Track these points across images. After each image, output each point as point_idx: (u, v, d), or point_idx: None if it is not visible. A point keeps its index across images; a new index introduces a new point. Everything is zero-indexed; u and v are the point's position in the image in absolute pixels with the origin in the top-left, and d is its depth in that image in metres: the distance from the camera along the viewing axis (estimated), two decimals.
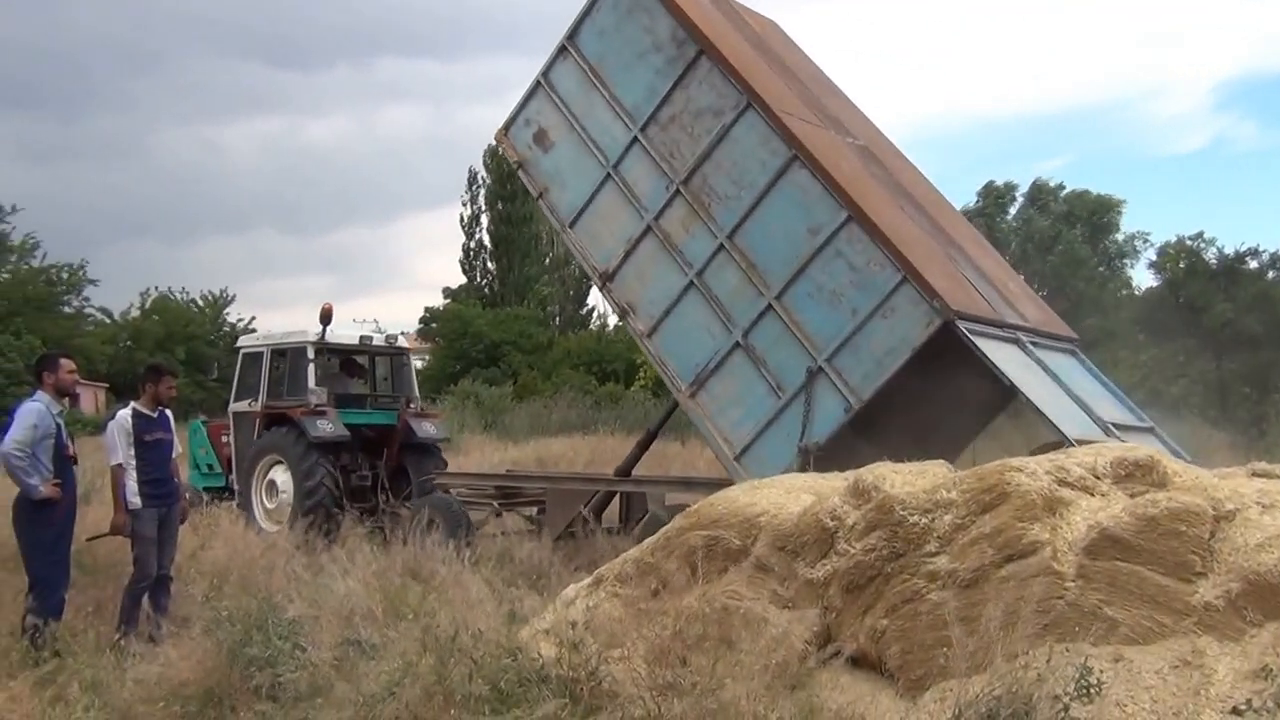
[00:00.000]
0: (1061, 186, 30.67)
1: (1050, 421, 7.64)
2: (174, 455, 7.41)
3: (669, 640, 4.63)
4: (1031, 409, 7.84)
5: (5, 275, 33.80)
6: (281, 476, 11.46)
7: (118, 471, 7.01)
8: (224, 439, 12.64)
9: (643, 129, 9.35)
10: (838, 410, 8.23)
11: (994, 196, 30.21)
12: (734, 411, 8.79)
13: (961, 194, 47.22)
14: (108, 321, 40.35)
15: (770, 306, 8.62)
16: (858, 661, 4.65)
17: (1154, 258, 27.20)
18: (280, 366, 12.09)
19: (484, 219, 46.47)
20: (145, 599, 6.86)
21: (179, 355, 35.57)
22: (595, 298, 45.22)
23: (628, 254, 9.43)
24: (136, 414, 7.11)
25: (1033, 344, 8.69)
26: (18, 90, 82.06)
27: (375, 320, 14.79)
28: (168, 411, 7.37)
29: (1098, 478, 4.74)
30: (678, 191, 9.14)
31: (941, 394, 8.69)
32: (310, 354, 11.78)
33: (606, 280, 9.61)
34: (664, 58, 9.30)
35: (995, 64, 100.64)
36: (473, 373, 33.92)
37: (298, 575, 6.90)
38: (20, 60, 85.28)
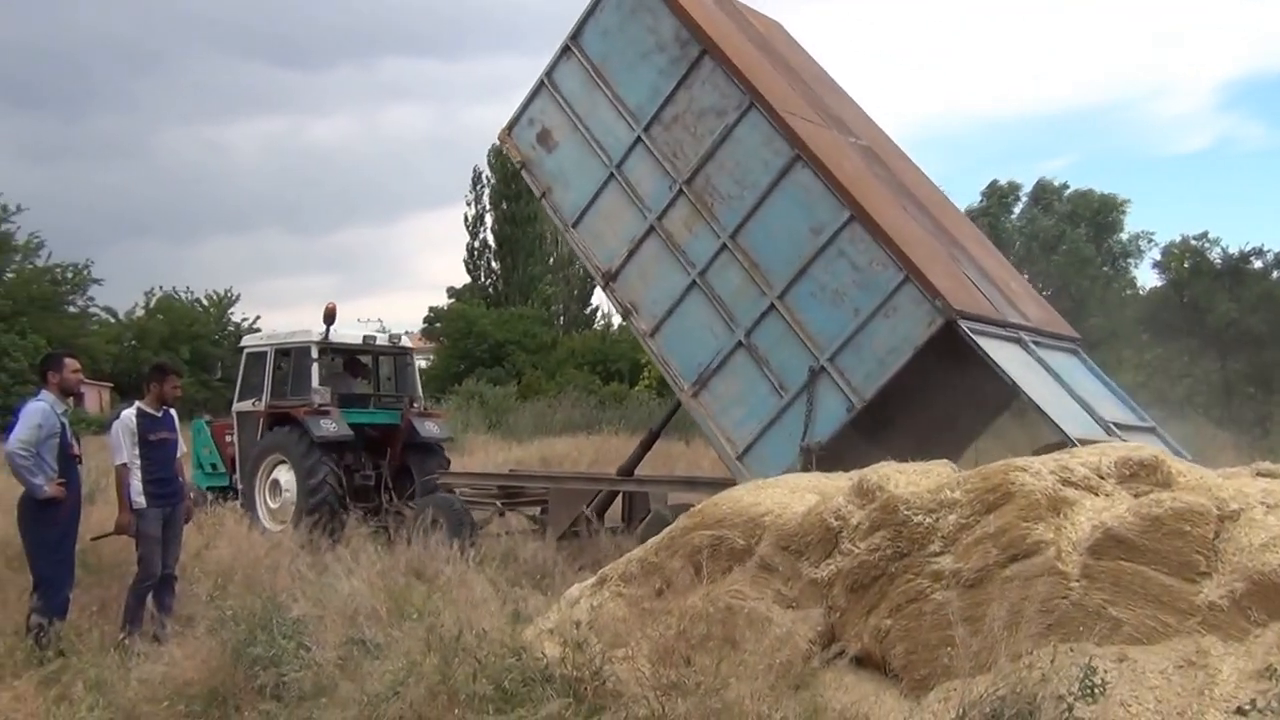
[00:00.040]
0: (1066, 186, 30.72)
1: (1052, 421, 7.64)
2: (179, 455, 7.43)
3: (673, 640, 4.63)
4: (1033, 408, 7.84)
5: (10, 275, 33.79)
6: (285, 476, 11.48)
7: (122, 471, 7.01)
8: (227, 438, 12.66)
9: (646, 129, 9.35)
10: (840, 410, 8.22)
11: (998, 196, 30.20)
12: (736, 411, 8.79)
13: (965, 194, 47.23)
14: (112, 321, 40.37)
15: (773, 306, 8.62)
16: (862, 661, 4.65)
17: (1158, 257, 27.28)
18: (284, 366, 12.12)
19: (488, 218, 46.50)
20: (150, 598, 6.86)
21: (183, 355, 35.56)
22: (599, 297, 45.35)
23: (631, 254, 9.44)
24: (141, 413, 7.12)
25: (1035, 343, 8.69)
26: (19, 90, 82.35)
27: (379, 320, 14.84)
28: (172, 411, 7.38)
29: (1102, 477, 4.74)
30: (681, 191, 9.14)
31: (944, 393, 8.70)
32: (314, 354, 11.79)
33: (609, 280, 9.61)
34: (667, 58, 9.30)
35: (995, 64, 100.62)
36: (477, 372, 33.97)
37: (302, 575, 6.92)
38: (21, 60, 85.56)
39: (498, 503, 11.09)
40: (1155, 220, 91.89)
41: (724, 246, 8.89)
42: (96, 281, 36.78)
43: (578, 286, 46.41)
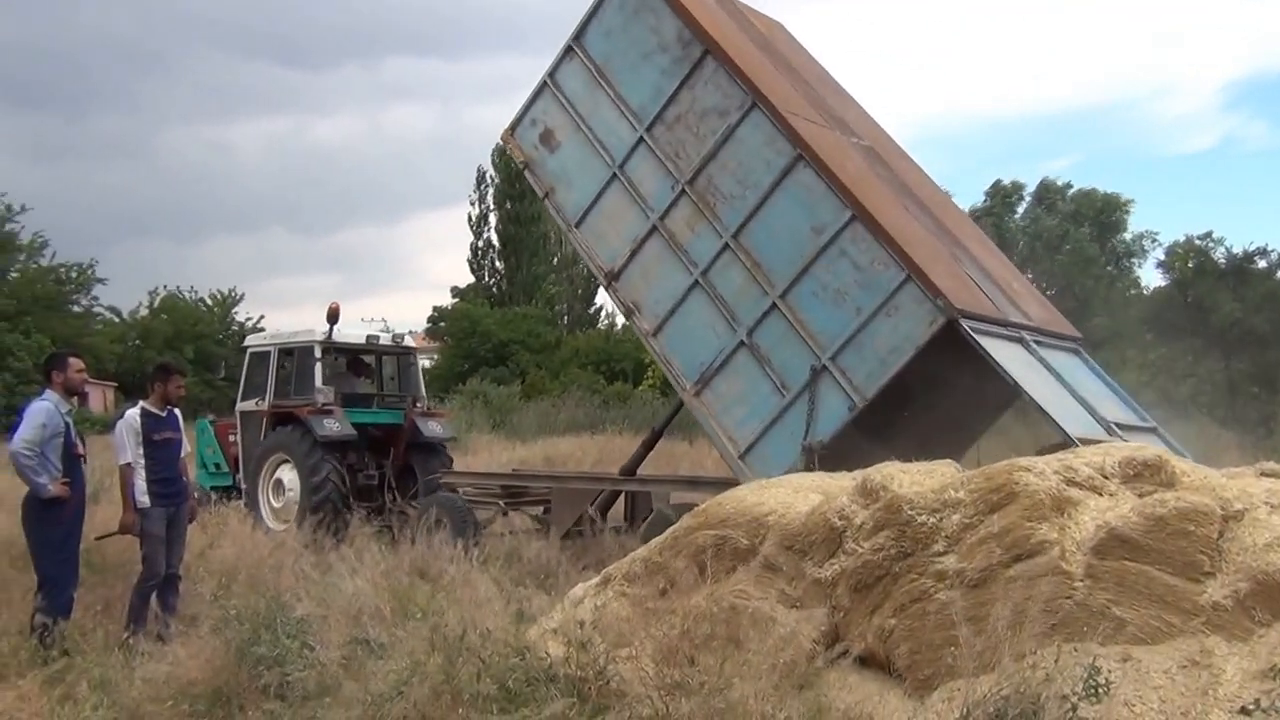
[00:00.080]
0: (1069, 186, 30.62)
1: (1053, 420, 7.64)
2: (183, 454, 7.44)
3: (677, 639, 4.62)
4: (1034, 408, 7.84)
5: (14, 274, 33.82)
6: (288, 475, 11.49)
7: (126, 470, 7.02)
8: (231, 438, 12.68)
9: (648, 129, 9.36)
10: (841, 409, 8.23)
11: (1001, 196, 30.14)
12: (738, 410, 8.80)
13: (969, 194, 47.10)
14: (116, 320, 40.36)
15: (775, 305, 8.63)
16: (865, 661, 4.65)
17: (1162, 257, 27.20)
18: (287, 366, 12.13)
19: (492, 218, 46.48)
20: (154, 598, 6.86)
21: (187, 354, 35.57)
22: (604, 297, 45.27)
23: (633, 253, 9.45)
24: (145, 413, 7.13)
25: (1036, 343, 8.69)
26: (21, 90, 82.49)
27: (383, 319, 14.85)
28: (176, 410, 7.38)
29: (1106, 477, 4.73)
30: (683, 191, 9.15)
31: (946, 393, 8.70)
32: (317, 353, 11.80)
33: (612, 279, 9.62)
34: (670, 58, 9.30)
35: (996, 64, 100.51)
36: (481, 372, 33.96)
37: (306, 574, 6.93)
38: (23, 60, 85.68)
39: (501, 502, 11.10)
40: (1159, 220, 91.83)
41: (726, 246, 8.90)
42: (100, 281, 36.83)
43: (582, 286, 46.36)
